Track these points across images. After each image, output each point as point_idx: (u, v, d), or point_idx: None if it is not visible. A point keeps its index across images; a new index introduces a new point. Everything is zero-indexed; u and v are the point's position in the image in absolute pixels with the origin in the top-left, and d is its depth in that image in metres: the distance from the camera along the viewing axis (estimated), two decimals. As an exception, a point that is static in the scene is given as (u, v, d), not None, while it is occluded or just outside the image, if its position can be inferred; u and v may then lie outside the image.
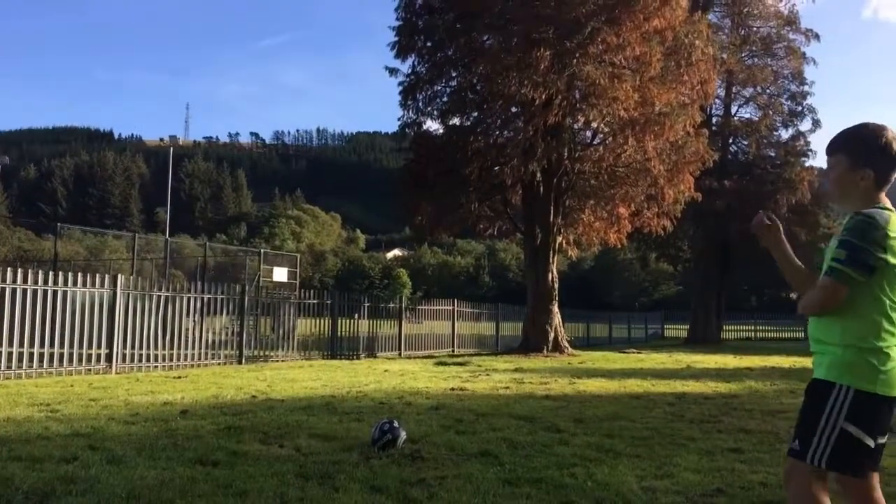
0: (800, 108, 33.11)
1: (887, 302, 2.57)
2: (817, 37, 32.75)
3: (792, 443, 2.69)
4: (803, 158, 33.01)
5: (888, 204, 2.65)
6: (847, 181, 2.67)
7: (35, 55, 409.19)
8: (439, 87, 20.01)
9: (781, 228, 2.89)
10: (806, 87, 33.12)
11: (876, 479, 2.72)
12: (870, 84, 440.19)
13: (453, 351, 20.72)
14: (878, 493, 2.72)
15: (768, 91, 33.18)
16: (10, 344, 10.60)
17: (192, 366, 13.45)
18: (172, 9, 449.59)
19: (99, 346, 11.99)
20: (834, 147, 2.72)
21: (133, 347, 12.50)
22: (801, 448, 2.62)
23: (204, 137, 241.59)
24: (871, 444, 2.57)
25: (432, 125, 20.76)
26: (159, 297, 13.21)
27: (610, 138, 18.91)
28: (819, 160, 34.42)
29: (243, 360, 14.73)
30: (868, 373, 2.55)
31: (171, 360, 13.20)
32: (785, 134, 33.60)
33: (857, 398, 2.54)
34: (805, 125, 33.04)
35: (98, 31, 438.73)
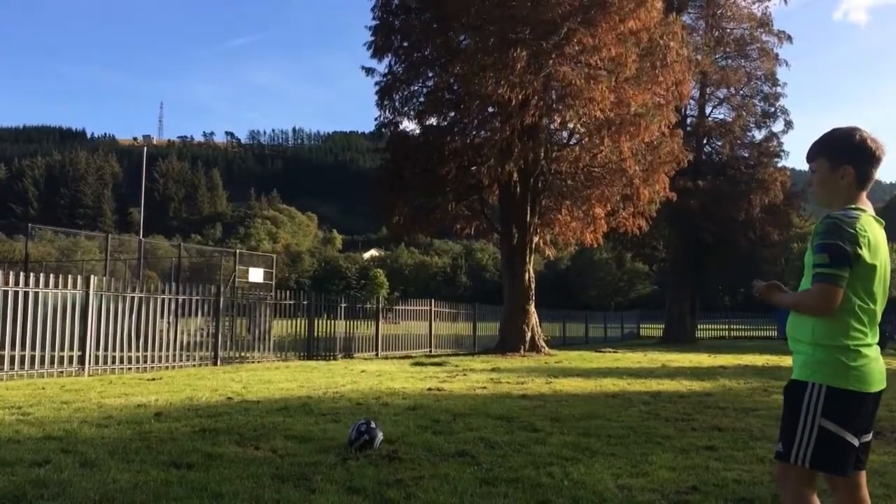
0: (772, 109, 33.56)
1: (857, 301, 2.61)
2: (790, 38, 33.18)
3: (777, 446, 2.72)
4: (776, 159, 33.51)
5: (866, 205, 2.71)
6: (830, 182, 2.76)
7: (4, 53, 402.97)
8: (416, 87, 20.02)
9: (777, 284, 2.93)
10: (778, 89, 33.62)
11: (863, 477, 2.75)
12: (840, 85, 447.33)
13: (430, 351, 20.70)
14: (865, 492, 2.75)
15: (742, 92, 33.57)
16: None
17: (167, 368, 13.31)
18: (143, 7, 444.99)
19: (71, 349, 11.82)
20: (813, 153, 2.83)
21: (106, 349, 12.34)
22: (784, 450, 2.66)
23: (178, 137, 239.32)
24: (854, 441, 2.60)
25: (409, 125, 20.78)
26: (133, 298, 13.05)
27: (586, 139, 19.01)
28: (792, 160, 34.93)
29: (219, 362, 14.60)
30: (839, 370, 2.59)
31: (145, 361, 13.05)
32: (758, 135, 34.07)
33: (831, 395, 2.58)
34: (778, 126, 33.54)
35: (69, 30, 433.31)
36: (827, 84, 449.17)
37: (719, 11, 32.95)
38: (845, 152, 2.72)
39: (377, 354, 18.94)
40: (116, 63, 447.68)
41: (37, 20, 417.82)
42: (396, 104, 19.88)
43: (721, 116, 34.02)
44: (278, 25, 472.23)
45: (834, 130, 2.80)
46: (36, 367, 11.12)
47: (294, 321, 17.52)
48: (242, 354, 15.47)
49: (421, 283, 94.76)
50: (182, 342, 14.18)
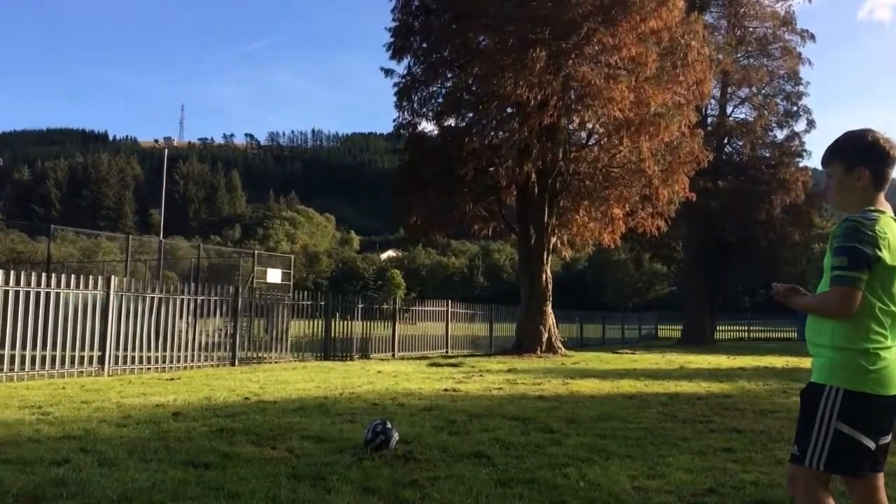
0: (795, 109, 33.25)
1: (877, 304, 2.59)
2: (813, 37, 32.89)
3: (792, 448, 2.70)
4: (798, 159, 33.20)
5: (885, 207, 2.68)
6: (846, 185, 2.74)
7: (27, 56, 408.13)
8: (435, 88, 20.02)
9: (796, 288, 2.91)
10: (801, 88, 33.34)
11: (880, 480, 2.72)
12: (864, 84, 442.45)
13: (447, 352, 20.69)
14: (882, 495, 2.72)
15: (763, 91, 33.31)
16: (3, 346, 10.53)
17: (185, 368, 13.40)
18: (165, 10, 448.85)
19: (91, 349, 11.92)
20: (827, 157, 2.82)
21: (126, 349, 12.44)
22: (799, 453, 2.64)
23: (199, 139, 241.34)
24: (871, 444, 2.57)
25: (427, 126, 20.78)
26: (152, 298, 13.15)
27: (605, 139, 18.94)
28: (814, 160, 34.52)
29: (236, 362, 14.68)
30: (857, 373, 2.56)
31: (164, 361, 13.15)
32: (780, 134, 33.78)
33: (848, 398, 2.55)
34: (800, 125, 33.22)
35: (92, 33, 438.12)
36: (850, 83, 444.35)
37: (742, 10, 32.73)
38: (859, 154, 2.71)
39: (394, 355, 18.96)
40: (138, 66, 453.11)
41: (59, 24, 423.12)
42: (415, 105, 19.90)
43: (742, 116, 33.83)
44: (298, 27, 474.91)
45: (846, 133, 2.79)
46: (56, 366, 11.24)
47: (311, 322, 17.57)
48: (260, 355, 15.54)
49: (438, 284, 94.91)
50: (200, 342, 14.27)
